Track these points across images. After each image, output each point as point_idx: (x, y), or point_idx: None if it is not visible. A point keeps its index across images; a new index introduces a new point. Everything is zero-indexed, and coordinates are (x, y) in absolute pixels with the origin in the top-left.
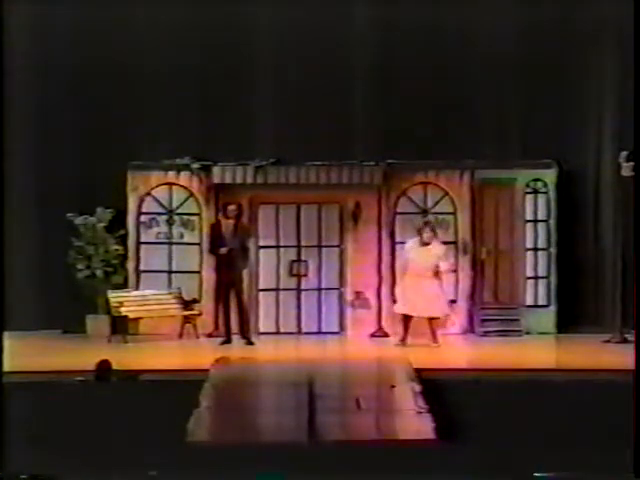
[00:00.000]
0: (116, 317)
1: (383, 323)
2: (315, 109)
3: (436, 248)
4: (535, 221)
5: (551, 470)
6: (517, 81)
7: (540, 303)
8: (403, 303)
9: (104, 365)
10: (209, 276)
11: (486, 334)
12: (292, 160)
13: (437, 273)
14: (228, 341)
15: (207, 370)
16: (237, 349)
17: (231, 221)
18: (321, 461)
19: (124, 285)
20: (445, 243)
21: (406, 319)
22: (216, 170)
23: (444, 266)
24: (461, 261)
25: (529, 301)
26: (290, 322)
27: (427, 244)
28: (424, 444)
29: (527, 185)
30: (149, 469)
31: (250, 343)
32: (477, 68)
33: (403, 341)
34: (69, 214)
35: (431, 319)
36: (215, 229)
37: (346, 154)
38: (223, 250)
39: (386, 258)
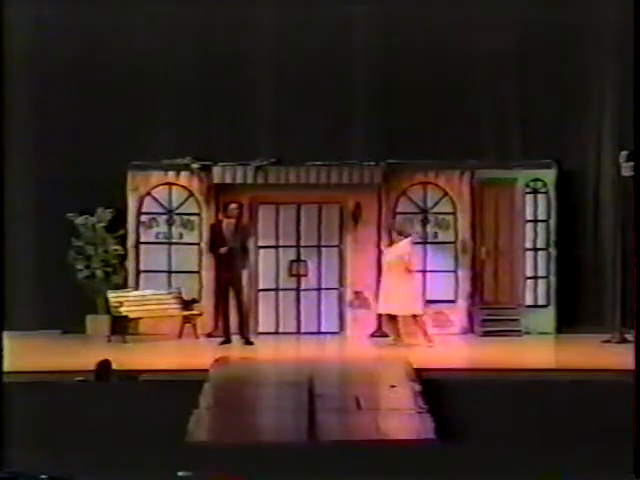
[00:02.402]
0: (116, 317)
1: (383, 323)
2: (315, 109)
3: (403, 246)
4: (535, 221)
5: (551, 470)
6: (517, 81)
7: (540, 303)
8: (381, 303)
9: (104, 365)
10: (209, 276)
11: (486, 334)
12: (292, 160)
13: (408, 271)
14: (228, 341)
15: (207, 370)
16: (237, 349)
17: (231, 220)
18: (321, 461)
19: (124, 285)
20: (445, 243)
21: (391, 318)
22: (216, 170)
23: (410, 263)
24: (461, 261)
25: (529, 301)
26: (290, 322)
27: (394, 243)
28: (424, 444)
29: (527, 185)
30: (149, 469)
31: (250, 343)
32: (477, 68)
33: (397, 341)
34: (69, 214)
35: (415, 318)
36: (215, 229)
37: (346, 154)
38: (223, 250)
39: None
